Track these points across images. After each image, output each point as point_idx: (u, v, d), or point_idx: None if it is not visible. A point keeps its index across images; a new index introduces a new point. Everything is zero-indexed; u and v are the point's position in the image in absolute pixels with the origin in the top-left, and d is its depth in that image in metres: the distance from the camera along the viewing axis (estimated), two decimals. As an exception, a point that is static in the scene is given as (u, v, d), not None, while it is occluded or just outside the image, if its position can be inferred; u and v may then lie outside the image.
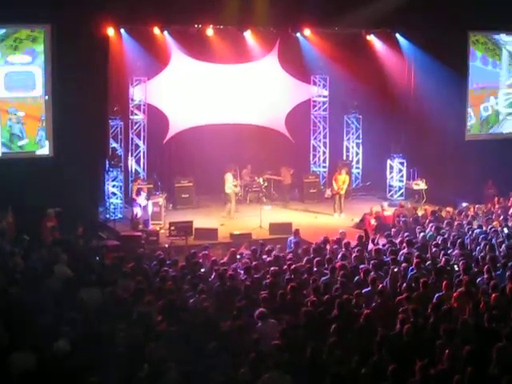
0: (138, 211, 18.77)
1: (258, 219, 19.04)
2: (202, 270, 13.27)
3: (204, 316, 10.43)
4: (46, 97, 18.52)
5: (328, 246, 15.16)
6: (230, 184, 20.20)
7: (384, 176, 23.24)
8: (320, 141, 23.74)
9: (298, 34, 22.07)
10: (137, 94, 21.12)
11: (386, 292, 11.49)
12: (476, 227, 16.56)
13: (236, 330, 9.90)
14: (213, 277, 12.64)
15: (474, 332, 9.68)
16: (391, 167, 23.06)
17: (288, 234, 17.35)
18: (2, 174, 17.60)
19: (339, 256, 13.77)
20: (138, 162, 21.33)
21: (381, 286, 11.56)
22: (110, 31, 19.69)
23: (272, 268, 12.83)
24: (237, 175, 20.88)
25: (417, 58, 22.26)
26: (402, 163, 22.84)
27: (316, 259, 13.32)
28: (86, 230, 16.79)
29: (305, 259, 13.66)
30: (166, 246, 16.75)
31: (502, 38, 23.08)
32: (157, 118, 21.59)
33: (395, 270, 12.81)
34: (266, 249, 14.71)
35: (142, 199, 18.89)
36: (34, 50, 18.37)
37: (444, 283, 11.57)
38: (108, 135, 20.35)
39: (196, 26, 20.85)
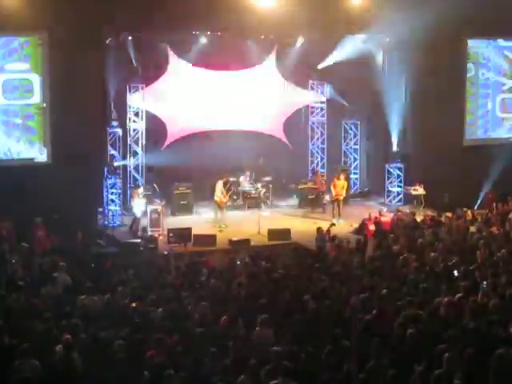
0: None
1: (257, 225, 19.05)
2: (202, 276, 13.26)
3: (203, 323, 10.42)
4: (44, 104, 18.53)
5: (326, 252, 15.17)
6: (219, 192, 19.99)
7: (382, 181, 23.24)
8: (318, 146, 23.77)
9: (295, 40, 22.09)
10: (134, 100, 21.13)
11: (385, 297, 11.49)
12: (475, 232, 16.57)
13: (236, 336, 9.89)
14: (212, 283, 12.63)
15: (474, 337, 9.68)
16: (389, 172, 23.07)
17: (287, 240, 17.29)
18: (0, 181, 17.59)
19: (338, 262, 13.79)
20: (136, 168, 21.33)
21: (379, 291, 11.56)
22: (108, 38, 19.69)
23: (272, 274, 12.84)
24: (228, 184, 20.69)
25: (414, 64, 22.25)
26: (400, 168, 22.85)
27: (315, 265, 13.34)
28: (84, 237, 16.79)
29: (303, 265, 13.68)
30: (166, 252, 16.73)
31: (500, 43, 23.09)
32: (155, 125, 21.60)
33: (394, 275, 12.82)
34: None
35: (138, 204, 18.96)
36: (32, 58, 18.37)
37: (443, 288, 11.58)
38: (106, 142, 20.35)
39: (194, 32, 20.87)
